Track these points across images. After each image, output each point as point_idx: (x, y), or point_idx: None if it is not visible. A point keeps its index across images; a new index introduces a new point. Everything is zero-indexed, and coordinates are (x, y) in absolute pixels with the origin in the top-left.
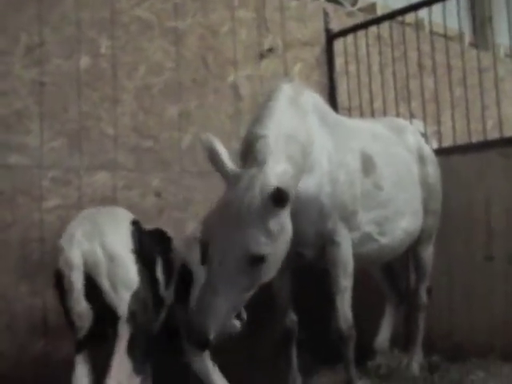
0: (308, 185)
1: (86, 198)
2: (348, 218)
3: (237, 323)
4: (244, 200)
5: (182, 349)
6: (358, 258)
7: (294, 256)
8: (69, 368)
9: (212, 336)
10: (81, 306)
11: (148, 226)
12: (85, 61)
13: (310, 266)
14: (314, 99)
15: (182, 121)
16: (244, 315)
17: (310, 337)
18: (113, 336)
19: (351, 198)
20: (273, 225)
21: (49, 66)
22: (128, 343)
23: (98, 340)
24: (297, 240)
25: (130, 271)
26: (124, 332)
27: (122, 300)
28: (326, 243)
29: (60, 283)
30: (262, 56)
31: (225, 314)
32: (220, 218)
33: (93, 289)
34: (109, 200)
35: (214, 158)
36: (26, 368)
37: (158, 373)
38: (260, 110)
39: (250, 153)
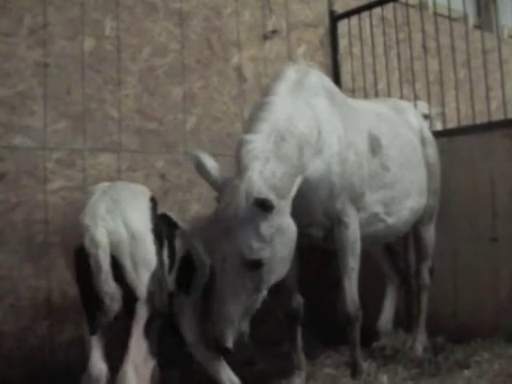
0: (317, 165)
1: (90, 180)
2: (356, 199)
3: None
4: (230, 210)
5: (184, 338)
6: (364, 238)
7: (303, 236)
8: (72, 349)
9: (231, 342)
10: (110, 286)
11: None
12: (89, 42)
13: (317, 246)
14: (321, 80)
15: (187, 102)
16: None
17: (314, 318)
18: (125, 316)
19: (360, 179)
20: (264, 229)
21: (53, 48)
22: (145, 324)
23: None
24: (305, 220)
25: (149, 250)
26: (142, 313)
27: (142, 280)
28: (334, 224)
29: (82, 262)
30: (265, 37)
31: (238, 319)
32: (215, 228)
33: (114, 269)
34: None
35: (201, 170)
36: (29, 348)
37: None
38: (258, 105)
39: (237, 158)
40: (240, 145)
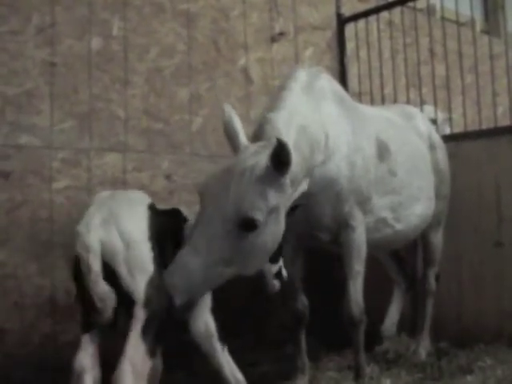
0: (327, 168)
1: (95, 180)
2: (363, 203)
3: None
4: (249, 163)
5: (190, 329)
6: (372, 243)
7: (311, 239)
8: (76, 347)
9: (179, 301)
10: (100, 287)
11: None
12: (96, 42)
13: (323, 249)
14: (330, 83)
15: (193, 104)
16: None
17: (317, 321)
18: (125, 320)
19: (366, 183)
20: (271, 195)
21: (60, 47)
22: (143, 326)
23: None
24: (313, 223)
25: (146, 259)
26: (139, 315)
27: (138, 285)
28: (341, 227)
29: (78, 269)
30: (273, 40)
31: (198, 281)
32: (220, 179)
33: (110, 275)
34: (119, 182)
35: (229, 130)
36: (33, 347)
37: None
38: (273, 98)
39: (260, 134)
40: (266, 122)
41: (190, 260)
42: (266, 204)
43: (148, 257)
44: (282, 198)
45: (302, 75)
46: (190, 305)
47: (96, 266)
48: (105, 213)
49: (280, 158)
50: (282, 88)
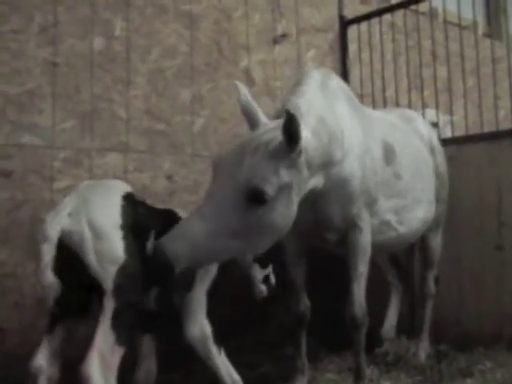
0: (342, 167)
1: (96, 179)
2: (370, 204)
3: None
4: (264, 138)
5: (184, 333)
6: (375, 246)
7: (317, 239)
8: (76, 347)
9: (179, 267)
10: (46, 276)
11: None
12: (99, 42)
13: (326, 250)
14: (341, 84)
15: (195, 104)
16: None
17: (317, 322)
18: (98, 309)
19: (374, 185)
20: (282, 171)
21: (62, 46)
22: (112, 316)
23: (78, 314)
24: (323, 223)
25: (116, 247)
26: (109, 305)
27: (108, 274)
28: (348, 228)
29: None
30: (275, 41)
31: (201, 249)
32: (235, 153)
33: (80, 264)
34: None
35: (247, 107)
36: (33, 346)
37: (164, 354)
38: (290, 92)
39: (282, 113)
40: (288, 102)
41: (195, 226)
42: (277, 179)
43: (119, 246)
44: (296, 177)
45: (315, 74)
46: (189, 275)
47: (47, 255)
48: (77, 202)
49: (290, 131)
50: (298, 84)
